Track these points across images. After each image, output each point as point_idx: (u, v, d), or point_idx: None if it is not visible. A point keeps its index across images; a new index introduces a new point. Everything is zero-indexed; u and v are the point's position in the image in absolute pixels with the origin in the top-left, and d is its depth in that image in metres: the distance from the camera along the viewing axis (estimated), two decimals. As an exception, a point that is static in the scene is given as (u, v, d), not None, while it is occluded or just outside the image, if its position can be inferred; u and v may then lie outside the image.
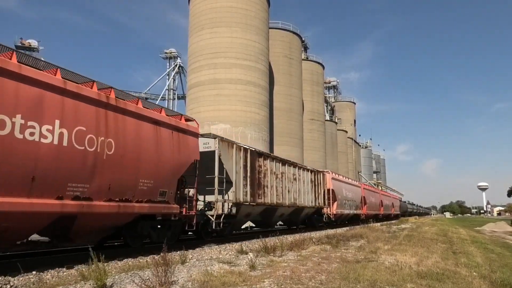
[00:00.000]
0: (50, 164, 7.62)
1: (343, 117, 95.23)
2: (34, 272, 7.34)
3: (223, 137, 14.97)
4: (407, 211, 77.16)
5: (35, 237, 9.47)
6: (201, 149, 13.27)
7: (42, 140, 7.45)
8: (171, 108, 67.42)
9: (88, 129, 8.46)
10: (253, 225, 22.30)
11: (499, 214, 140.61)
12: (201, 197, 13.88)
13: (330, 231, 21.16)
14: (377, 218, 42.90)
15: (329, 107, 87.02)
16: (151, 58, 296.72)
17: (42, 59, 8.82)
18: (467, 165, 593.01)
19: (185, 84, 50.30)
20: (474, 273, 8.46)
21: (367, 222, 34.34)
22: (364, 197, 36.69)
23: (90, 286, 6.03)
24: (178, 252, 10.57)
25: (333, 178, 27.46)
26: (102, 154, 8.76)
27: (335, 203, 26.98)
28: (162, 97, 67.05)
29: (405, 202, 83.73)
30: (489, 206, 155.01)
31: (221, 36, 35.49)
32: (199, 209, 13.49)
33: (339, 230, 21.80)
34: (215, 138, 14.17)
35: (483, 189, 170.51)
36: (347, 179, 33.87)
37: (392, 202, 55.47)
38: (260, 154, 17.42)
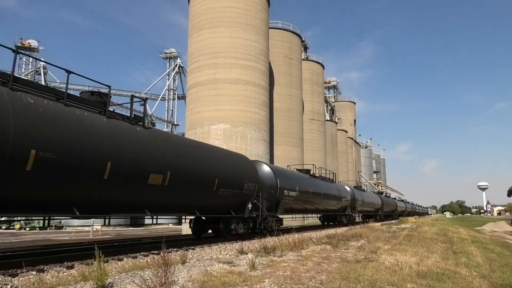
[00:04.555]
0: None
1: (343, 117, 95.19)
2: (34, 273, 7.33)
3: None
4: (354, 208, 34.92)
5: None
6: None
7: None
8: (170, 109, 67.74)
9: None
10: None
11: (499, 213, 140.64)
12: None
13: (331, 231, 21.15)
14: None
15: (329, 107, 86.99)
16: (151, 58, 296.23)
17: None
18: (467, 165, 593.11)
19: (185, 84, 50.31)
20: (474, 273, 8.45)
21: (367, 222, 34.12)
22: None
23: (90, 286, 6.03)
24: (178, 252, 10.58)
25: None
26: None
27: None
28: (162, 97, 67.06)
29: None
30: (489, 205, 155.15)
31: (221, 36, 35.45)
32: None
33: (339, 230, 21.82)
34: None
35: (483, 189, 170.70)
36: None
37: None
38: None
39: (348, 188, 34.29)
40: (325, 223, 33.20)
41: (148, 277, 6.33)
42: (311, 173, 27.05)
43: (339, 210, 31.09)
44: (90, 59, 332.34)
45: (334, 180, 32.62)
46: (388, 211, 53.96)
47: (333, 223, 32.84)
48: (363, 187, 44.98)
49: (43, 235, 24.20)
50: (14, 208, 8.00)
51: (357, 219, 47.30)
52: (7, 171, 7.13)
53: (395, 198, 75.10)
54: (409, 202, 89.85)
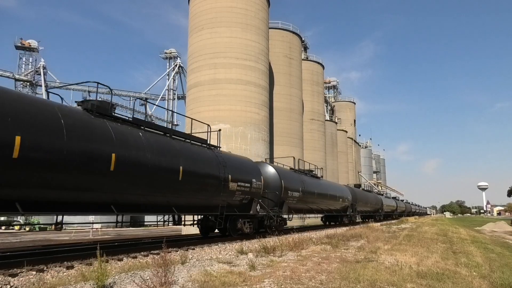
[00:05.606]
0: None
1: (343, 117, 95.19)
2: (34, 273, 7.33)
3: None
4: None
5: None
6: None
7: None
8: (170, 108, 67.74)
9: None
10: None
11: (499, 213, 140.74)
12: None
13: (330, 231, 21.17)
14: None
15: (329, 107, 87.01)
16: (151, 58, 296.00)
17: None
18: (467, 165, 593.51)
19: (185, 84, 50.30)
20: (474, 273, 8.46)
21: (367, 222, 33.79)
22: None
23: (90, 286, 6.03)
24: (178, 252, 10.59)
25: None
26: None
27: None
28: (162, 97, 67.06)
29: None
30: (489, 206, 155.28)
31: (221, 36, 35.45)
32: None
33: (339, 230, 21.83)
34: None
35: (483, 189, 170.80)
36: None
37: None
38: None
39: (270, 169, 18.99)
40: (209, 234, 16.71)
41: (148, 277, 6.34)
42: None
43: (213, 209, 14.23)
44: (90, 59, 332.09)
45: (215, 145, 15.67)
46: (369, 210, 39.45)
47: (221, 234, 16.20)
48: (315, 172, 27.38)
49: (43, 235, 24.20)
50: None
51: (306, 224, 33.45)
52: None
53: (381, 194, 59.10)
54: (403, 201, 78.44)
